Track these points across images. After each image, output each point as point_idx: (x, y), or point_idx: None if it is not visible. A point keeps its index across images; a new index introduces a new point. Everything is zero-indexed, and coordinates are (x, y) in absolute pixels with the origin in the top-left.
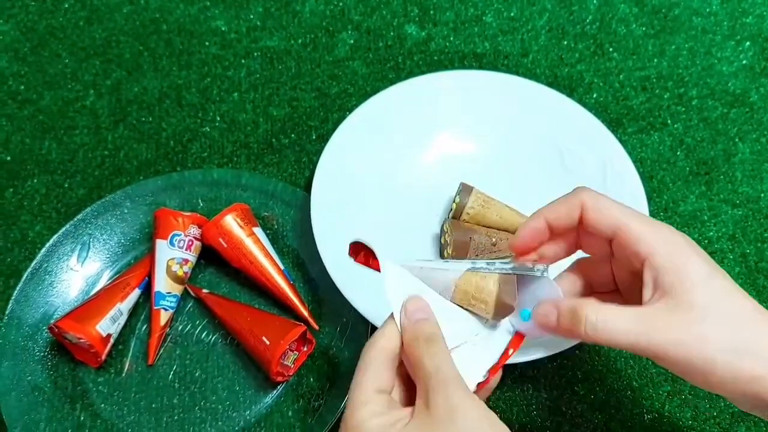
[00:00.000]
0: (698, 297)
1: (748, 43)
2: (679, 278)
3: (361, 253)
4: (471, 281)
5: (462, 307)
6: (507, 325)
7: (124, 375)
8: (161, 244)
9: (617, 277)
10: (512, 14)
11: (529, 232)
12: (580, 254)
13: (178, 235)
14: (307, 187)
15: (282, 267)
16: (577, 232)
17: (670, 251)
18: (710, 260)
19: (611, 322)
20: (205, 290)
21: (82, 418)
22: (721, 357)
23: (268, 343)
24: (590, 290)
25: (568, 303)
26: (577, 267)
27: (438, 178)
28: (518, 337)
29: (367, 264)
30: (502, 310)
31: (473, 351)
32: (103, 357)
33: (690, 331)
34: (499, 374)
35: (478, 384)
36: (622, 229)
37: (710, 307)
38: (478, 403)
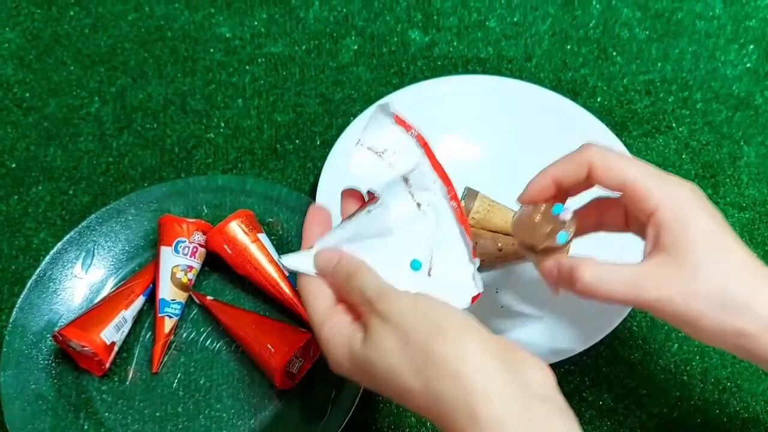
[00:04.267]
0: (695, 254)
1: (752, 47)
2: (679, 236)
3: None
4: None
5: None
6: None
7: (128, 383)
8: (166, 251)
9: (630, 225)
10: (515, 19)
11: (535, 188)
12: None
13: (183, 242)
14: (312, 193)
15: (287, 273)
16: (586, 186)
17: (674, 208)
18: (716, 215)
19: (605, 282)
20: (209, 297)
21: (86, 427)
22: (709, 313)
23: (273, 350)
24: (601, 227)
25: (569, 261)
26: (593, 205)
27: None
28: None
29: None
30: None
31: (444, 270)
32: (108, 365)
33: (680, 288)
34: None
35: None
36: (629, 184)
37: (705, 264)
38: (411, 297)
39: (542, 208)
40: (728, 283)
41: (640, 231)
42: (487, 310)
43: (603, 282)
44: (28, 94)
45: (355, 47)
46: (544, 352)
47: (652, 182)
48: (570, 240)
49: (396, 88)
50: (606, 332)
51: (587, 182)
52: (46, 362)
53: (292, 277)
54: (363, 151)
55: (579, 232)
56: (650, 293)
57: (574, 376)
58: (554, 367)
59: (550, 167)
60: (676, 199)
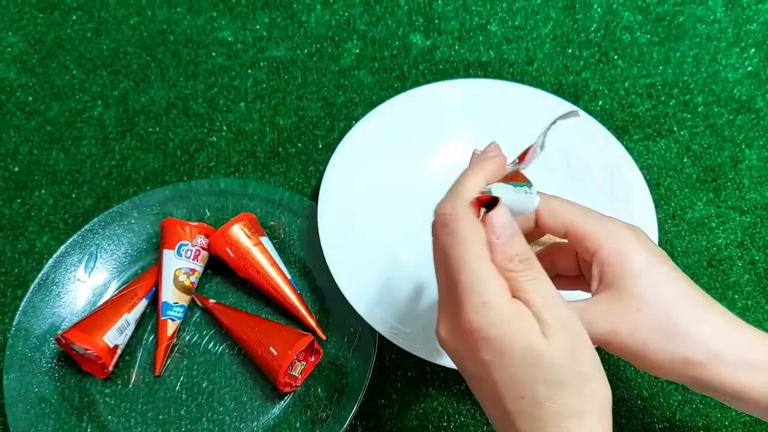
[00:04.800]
0: (638, 287)
1: (753, 50)
2: (621, 270)
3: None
4: None
5: None
6: None
7: (131, 386)
8: (168, 254)
9: (582, 267)
10: (517, 23)
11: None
12: None
13: (186, 245)
14: (314, 196)
15: (289, 276)
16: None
17: (614, 246)
18: (655, 250)
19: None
20: (212, 300)
21: (89, 430)
22: (655, 343)
23: (275, 353)
24: (556, 274)
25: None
26: (545, 252)
27: (444, 186)
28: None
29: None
30: None
31: None
32: (110, 368)
33: (626, 320)
34: None
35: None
36: (572, 226)
37: (648, 295)
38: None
39: None
40: (671, 312)
41: (588, 272)
42: None
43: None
44: (30, 98)
45: (357, 51)
46: None
47: (592, 222)
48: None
49: (398, 91)
50: None
51: (538, 230)
52: (49, 365)
53: (295, 281)
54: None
55: None
56: (597, 328)
57: None
58: None
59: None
60: (616, 237)
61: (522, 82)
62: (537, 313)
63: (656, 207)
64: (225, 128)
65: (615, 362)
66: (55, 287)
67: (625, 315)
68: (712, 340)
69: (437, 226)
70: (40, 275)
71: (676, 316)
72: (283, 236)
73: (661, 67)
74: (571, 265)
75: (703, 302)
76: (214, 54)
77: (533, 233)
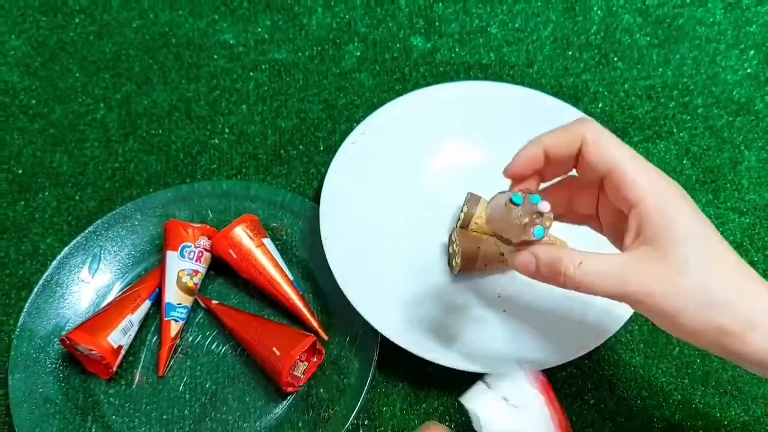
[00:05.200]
0: (679, 250)
1: (752, 52)
2: (663, 230)
3: None
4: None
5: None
6: None
7: (134, 386)
8: (171, 256)
9: (601, 209)
10: (517, 25)
11: (525, 157)
12: None
13: (189, 247)
14: (316, 198)
15: (291, 277)
16: (574, 163)
17: (659, 202)
18: (699, 214)
19: (589, 274)
20: (215, 301)
21: (93, 430)
22: (692, 309)
23: (278, 353)
24: (570, 208)
25: (547, 254)
26: (563, 183)
27: (445, 188)
28: None
29: None
30: None
31: None
32: (114, 368)
33: (665, 281)
34: None
35: None
36: (617, 169)
37: (689, 261)
38: None
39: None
40: (713, 281)
41: (612, 221)
42: (489, 313)
43: (587, 275)
44: (34, 101)
45: (358, 53)
46: (546, 355)
47: (639, 171)
48: (545, 235)
49: (398, 94)
50: (608, 335)
51: (573, 160)
52: (54, 366)
53: (297, 282)
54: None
55: (554, 209)
56: (631, 287)
57: (577, 379)
58: (557, 370)
59: (542, 136)
60: (661, 192)
61: (522, 84)
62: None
63: None
64: (227, 130)
65: (613, 364)
66: (59, 288)
67: (665, 277)
68: (750, 311)
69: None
70: (44, 277)
71: (717, 284)
72: (285, 238)
73: (660, 69)
74: (588, 202)
75: (747, 273)
76: (215, 57)
77: (565, 164)
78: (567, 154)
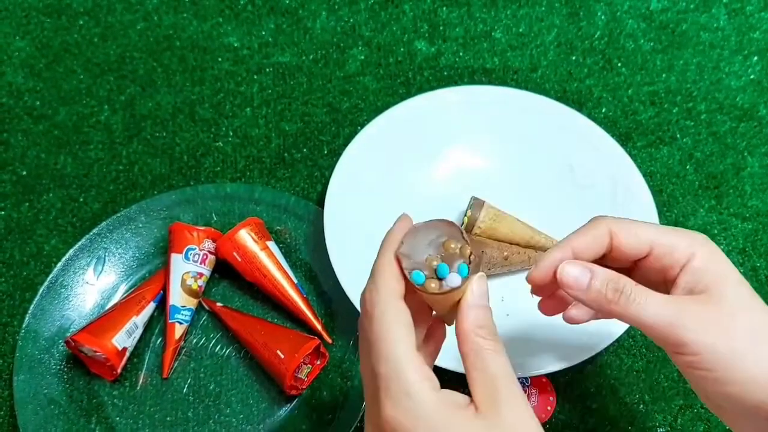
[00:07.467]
0: (730, 297)
1: (755, 58)
2: (716, 279)
3: None
4: None
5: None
6: None
7: (139, 388)
8: (176, 258)
9: (644, 279)
10: (521, 30)
11: (554, 263)
12: None
13: (193, 249)
14: (320, 201)
15: (295, 280)
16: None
17: (708, 256)
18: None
19: (644, 302)
20: (219, 304)
21: (97, 431)
22: (745, 351)
23: (282, 356)
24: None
25: (607, 272)
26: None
27: (449, 192)
28: None
29: None
30: None
31: None
32: (119, 370)
33: (721, 321)
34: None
35: None
36: (657, 244)
37: (741, 307)
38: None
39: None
40: (762, 326)
41: (658, 284)
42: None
43: (643, 302)
44: (38, 103)
45: (362, 57)
46: (549, 360)
47: (677, 236)
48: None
49: (402, 98)
50: (611, 341)
51: (611, 255)
52: (58, 367)
53: (301, 285)
54: None
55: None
56: (689, 321)
57: (579, 383)
58: (559, 374)
59: (569, 239)
60: (706, 247)
61: (526, 88)
62: (492, 385)
63: (659, 214)
64: (231, 133)
65: (615, 368)
66: (63, 290)
67: (720, 317)
68: None
69: (361, 316)
70: (49, 278)
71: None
72: (289, 241)
73: (664, 75)
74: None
75: None
76: (220, 59)
77: (600, 258)
78: (597, 252)
